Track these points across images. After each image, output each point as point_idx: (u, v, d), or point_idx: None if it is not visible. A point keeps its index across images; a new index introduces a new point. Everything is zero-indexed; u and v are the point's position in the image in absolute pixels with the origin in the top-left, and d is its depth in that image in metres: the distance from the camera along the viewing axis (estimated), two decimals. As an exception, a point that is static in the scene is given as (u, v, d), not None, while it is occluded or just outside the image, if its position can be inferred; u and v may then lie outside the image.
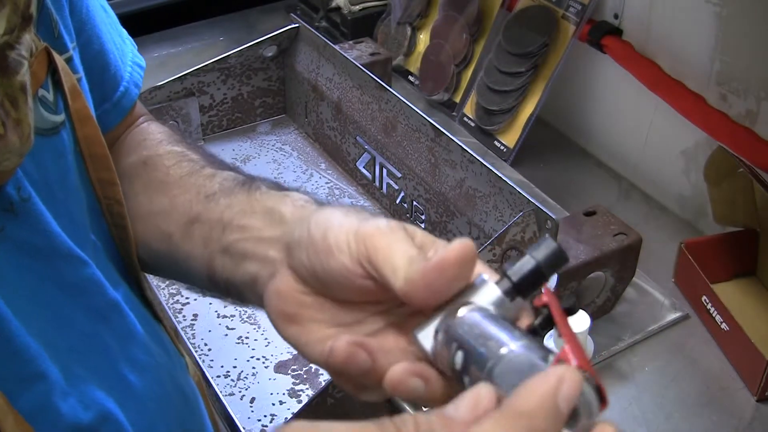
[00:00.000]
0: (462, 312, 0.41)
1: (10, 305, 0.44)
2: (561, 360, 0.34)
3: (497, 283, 0.42)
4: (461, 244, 0.41)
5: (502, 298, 0.42)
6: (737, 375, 0.89)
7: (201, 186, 0.57)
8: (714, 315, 0.92)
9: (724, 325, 0.91)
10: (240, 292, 0.53)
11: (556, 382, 0.32)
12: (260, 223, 0.51)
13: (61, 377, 0.46)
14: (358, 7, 1.48)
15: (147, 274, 0.63)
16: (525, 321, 0.42)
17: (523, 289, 0.42)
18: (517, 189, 0.88)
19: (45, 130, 0.48)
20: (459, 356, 0.39)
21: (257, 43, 1.23)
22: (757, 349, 0.85)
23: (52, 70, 0.49)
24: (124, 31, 0.65)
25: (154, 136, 0.64)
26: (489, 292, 0.42)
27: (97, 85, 0.58)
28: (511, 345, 0.37)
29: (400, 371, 0.41)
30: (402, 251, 0.42)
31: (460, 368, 0.39)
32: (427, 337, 0.43)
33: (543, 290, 0.41)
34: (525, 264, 0.42)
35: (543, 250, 0.42)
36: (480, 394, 0.34)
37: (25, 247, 0.45)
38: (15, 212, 0.45)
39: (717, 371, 0.90)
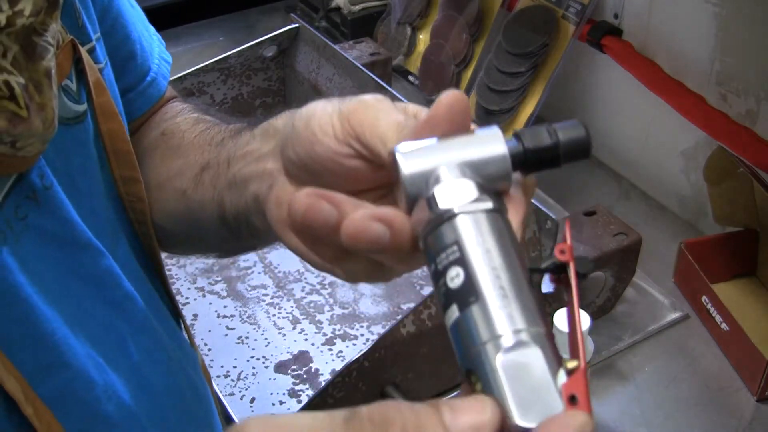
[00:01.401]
0: (474, 203, 0.35)
1: (38, 293, 0.44)
2: (572, 395, 0.30)
3: (507, 141, 0.37)
4: (450, 94, 0.38)
5: (505, 158, 0.37)
6: (737, 375, 0.89)
7: (212, 137, 0.57)
8: (714, 315, 0.92)
9: (724, 325, 0.91)
10: (248, 222, 0.50)
11: None
12: (258, 144, 0.49)
13: (86, 367, 0.47)
14: (358, 7, 1.48)
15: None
16: (514, 211, 0.37)
17: (529, 160, 0.37)
18: (517, 189, 0.88)
19: (68, 119, 0.49)
20: (458, 275, 0.34)
21: (257, 43, 1.23)
22: (757, 349, 0.85)
23: (76, 60, 0.50)
24: (152, 28, 0.65)
25: (174, 109, 0.64)
26: (494, 146, 0.37)
27: (121, 74, 0.58)
28: (522, 334, 0.31)
29: (359, 216, 0.36)
30: (389, 120, 0.39)
31: (453, 289, 0.33)
32: (406, 161, 0.37)
33: (566, 245, 0.36)
34: (544, 138, 0.37)
35: (569, 132, 0.38)
36: (485, 416, 0.30)
37: (46, 236, 0.46)
38: (37, 200, 0.45)
39: (717, 371, 0.90)
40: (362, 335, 0.97)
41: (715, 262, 0.98)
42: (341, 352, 0.95)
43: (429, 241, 0.35)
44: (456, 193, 0.35)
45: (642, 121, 1.15)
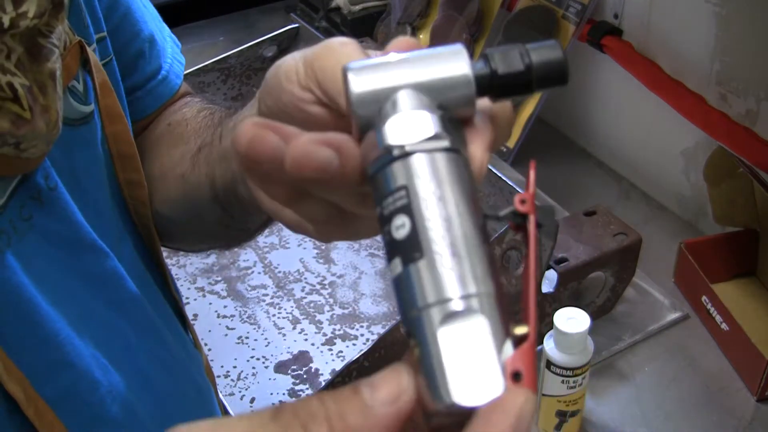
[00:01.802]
0: (430, 141, 0.30)
1: (42, 293, 0.44)
2: (516, 371, 0.28)
3: (473, 62, 0.33)
4: (402, 40, 0.36)
5: (469, 81, 0.32)
6: (737, 375, 0.89)
7: (212, 120, 0.56)
8: (714, 315, 0.92)
9: (724, 325, 0.91)
10: (236, 193, 0.48)
11: (516, 421, 0.27)
12: (247, 111, 0.47)
13: (90, 367, 0.47)
14: (358, 7, 1.48)
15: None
16: (478, 143, 0.33)
17: (496, 85, 0.33)
18: (517, 189, 0.88)
19: (74, 120, 0.49)
20: (403, 225, 0.29)
21: (257, 43, 1.23)
22: (757, 349, 0.85)
23: (83, 61, 0.50)
24: (167, 29, 0.65)
25: (183, 101, 0.64)
26: (457, 66, 0.32)
27: (131, 71, 0.58)
28: (469, 300, 0.28)
29: (305, 139, 0.33)
30: None
31: (398, 240, 0.29)
32: (357, 78, 0.32)
33: (528, 194, 0.32)
34: (515, 60, 0.33)
35: (544, 53, 0.33)
36: (402, 384, 0.28)
37: (51, 237, 0.46)
38: (42, 201, 0.45)
39: (717, 371, 0.90)
40: (362, 335, 0.97)
41: (715, 262, 0.98)
42: (341, 352, 0.95)
43: (377, 180, 0.31)
44: (410, 127, 0.31)
45: (642, 121, 1.15)
